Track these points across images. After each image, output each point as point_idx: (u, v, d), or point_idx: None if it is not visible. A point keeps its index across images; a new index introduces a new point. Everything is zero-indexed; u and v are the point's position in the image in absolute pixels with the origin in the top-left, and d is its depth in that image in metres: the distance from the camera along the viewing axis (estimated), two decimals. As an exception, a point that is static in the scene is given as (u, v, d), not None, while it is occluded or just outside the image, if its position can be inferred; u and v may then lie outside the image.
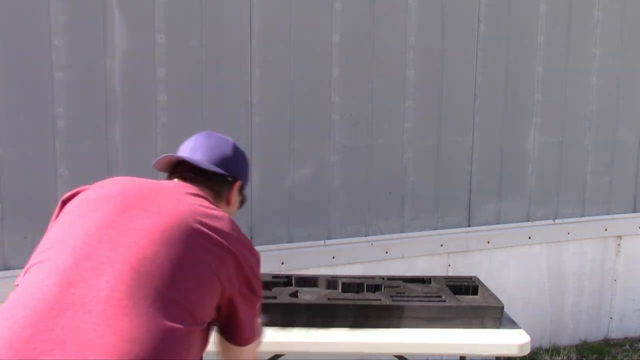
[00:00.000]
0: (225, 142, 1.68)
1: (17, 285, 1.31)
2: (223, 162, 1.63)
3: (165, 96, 2.82)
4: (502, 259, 3.69)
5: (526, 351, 2.15)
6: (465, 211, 3.57)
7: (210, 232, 1.36)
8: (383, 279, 2.51)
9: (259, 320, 1.58)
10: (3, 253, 2.60)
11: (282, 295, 2.26)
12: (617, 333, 4.11)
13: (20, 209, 2.61)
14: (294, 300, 2.24)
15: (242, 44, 2.94)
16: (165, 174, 1.67)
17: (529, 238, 3.74)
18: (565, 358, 3.71)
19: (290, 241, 3.15)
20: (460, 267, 3.48)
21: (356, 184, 3.27)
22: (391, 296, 2.27)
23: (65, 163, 2.67)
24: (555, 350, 3.81)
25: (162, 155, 1.60)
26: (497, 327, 2.22)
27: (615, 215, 3.99)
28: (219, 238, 1.37)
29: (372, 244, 3.33)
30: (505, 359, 2.19)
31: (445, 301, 2.25)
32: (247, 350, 1.56)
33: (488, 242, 3.63)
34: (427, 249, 3.46)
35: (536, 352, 3.73)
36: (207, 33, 2.87)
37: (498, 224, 3.67)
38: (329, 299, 2.23)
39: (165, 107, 2.82)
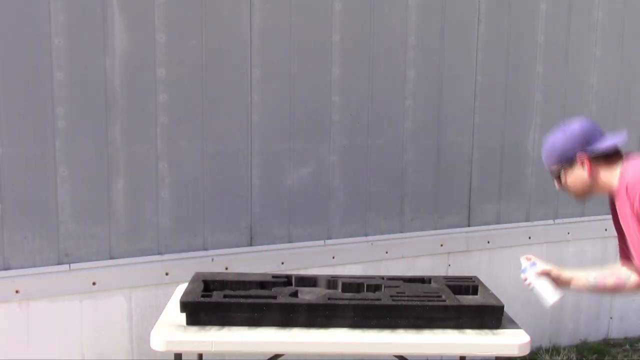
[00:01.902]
0: None
1: None
2: None
3: (165, 96, 2.82)
4: (502, 258, 3.68)
5: (526, 351, 2.15)
6: (465, 211, 3.57)
7: None
8: (383, 279, 2.51)
9: None
10: (3, 253, 2.60)
11: (282, 295, 2.26)
12: (617, 333, 4.11)
13: (20, 209, 2.61)
14: (294, 300, 2.24)
15: (242, 44, 2.94)
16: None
17: (529, 238, 3.74)
18: (565, 358, 3.71)
19: (290, 241, 3.15)
20: (460, 267, 3.48)
21: (356, 184, 3.27)
22: (391, 296, 2.27)
23: (65, 163, 2.67)
24: (555, 350, 3.81)
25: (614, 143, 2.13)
26: (497, 327, 2.22)
27: (615, 215, 3.99)
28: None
29: (372, 244, 3.33)
30: (505, 359, 2.19)
31: (445, 301, 2.25)
32: None
33: (488, 242, 3.63)
34: (427, 249, 3.46)
35: (536, 352, 3.73)
36: (207, 33, 2.87)
37: (498, 224, 3.67)
38: (329, 299, 2.23)
39: (165, 107, 2.82)
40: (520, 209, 3.73)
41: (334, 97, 3.16)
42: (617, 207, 2.08)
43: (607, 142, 2.13)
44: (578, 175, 2.12)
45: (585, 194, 2.18)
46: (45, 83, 2.61)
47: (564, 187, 2.20)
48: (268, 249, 3.09)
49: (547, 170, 2.21)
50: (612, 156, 2.12)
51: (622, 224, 2.08)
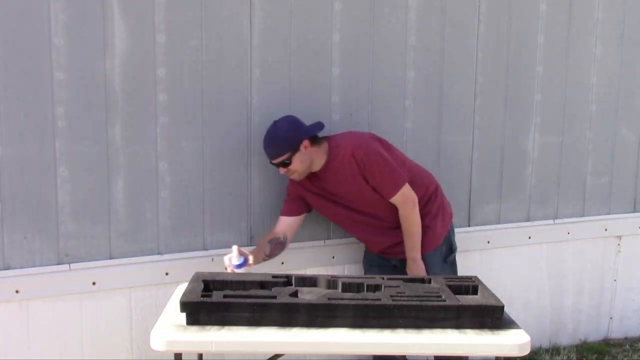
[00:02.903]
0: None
1: None
2: None
3: (165, 96, 2.82)
4: (502, 258, 3.69)
5: (526, 351, 2.15)
6: (465, 211, 3.57)
7: None
8: (383, 279, 2.51)
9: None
10: (3, 253, 2.60)
11: (282, 295, 2.26)
12: (617, 333, 4.11)
13: (20, 209, 2.61)
14: (294, 300, 2.24)
15: (242, 44, 2.95)
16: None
17: (529, 238, 3.74)
18: (565, 358, 3.71)
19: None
20: (460, 267, 3.47)
21: (356, 184, 3.27)
22: (391, 296, 2.27)
23: (65, 163, 2.67)
24: (555, 350, 3.81)
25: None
26: (497, 327, 2.22)
27: (615, 215, 3.99)
28: None
29: (372, 244, 3.33)
30: (505, 359, 2.19)
31: (445, 301, 2.25)
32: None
33: (488, 242, 3.63)
34: (427, 249, 3.45)
35: (536, 352, 3.73)
36: (207, 33, 2.87)
37: (498, 224, 3.67)
38: (329, 298, 2.23)
39: (165, 107, 2.82)
40: (520, 209, 3.73)
41: (334, 97, 3.16)
42: (337, 172, 2.73)
43: (313, 126, 2.75)
44: (303, 157, 2.70)
45: (306, 172, 2.76)
46: (45, 83, 2.61)
47: (290, 171, 2.73)
48: (268, 249, 3.09)
49: (269, 160, 2.74)
50: (317, 137, 2.76)
51: (343, 185, 2.75)
